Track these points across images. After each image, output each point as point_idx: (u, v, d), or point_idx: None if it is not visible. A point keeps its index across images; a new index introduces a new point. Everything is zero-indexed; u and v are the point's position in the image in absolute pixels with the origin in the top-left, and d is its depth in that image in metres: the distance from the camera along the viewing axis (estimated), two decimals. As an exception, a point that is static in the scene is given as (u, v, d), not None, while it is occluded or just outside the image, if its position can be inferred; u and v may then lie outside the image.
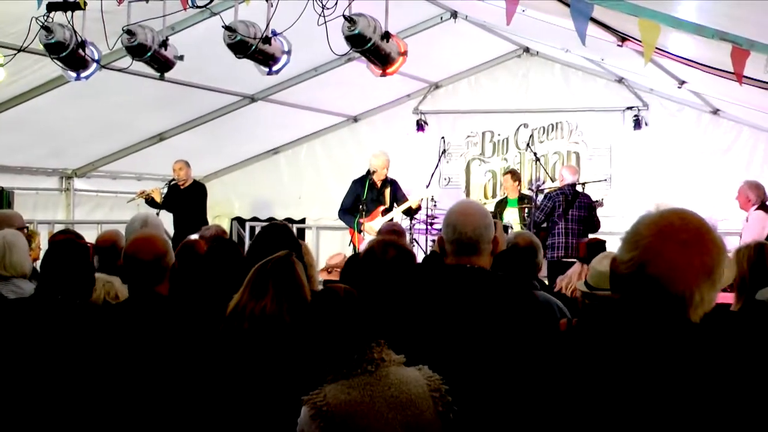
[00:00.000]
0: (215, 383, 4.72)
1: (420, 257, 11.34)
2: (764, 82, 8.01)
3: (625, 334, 2.89)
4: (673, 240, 2.87)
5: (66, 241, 6.55)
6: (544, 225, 13.79)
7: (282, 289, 4.84)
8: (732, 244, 10.91)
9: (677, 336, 2.83)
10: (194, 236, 8.73)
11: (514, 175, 15.82)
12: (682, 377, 2.74)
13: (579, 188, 14.08)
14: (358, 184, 14.02)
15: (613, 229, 13.16)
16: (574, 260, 13.01)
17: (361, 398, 3.98)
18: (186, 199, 14.98)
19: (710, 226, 2.94)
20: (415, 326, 4.58)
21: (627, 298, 2.94)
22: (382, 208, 13.80)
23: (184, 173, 15.07)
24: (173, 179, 15.10)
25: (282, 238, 6.12)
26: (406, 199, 13.99)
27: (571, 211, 13.47)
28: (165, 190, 15.13)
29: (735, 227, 12.67)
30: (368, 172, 13.93)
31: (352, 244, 13.95)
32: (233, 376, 4.69)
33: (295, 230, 16.86)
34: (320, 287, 5.52)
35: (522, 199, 15.34)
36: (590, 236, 12.04)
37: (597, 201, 14.39)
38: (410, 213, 14.05)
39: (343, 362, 4.07)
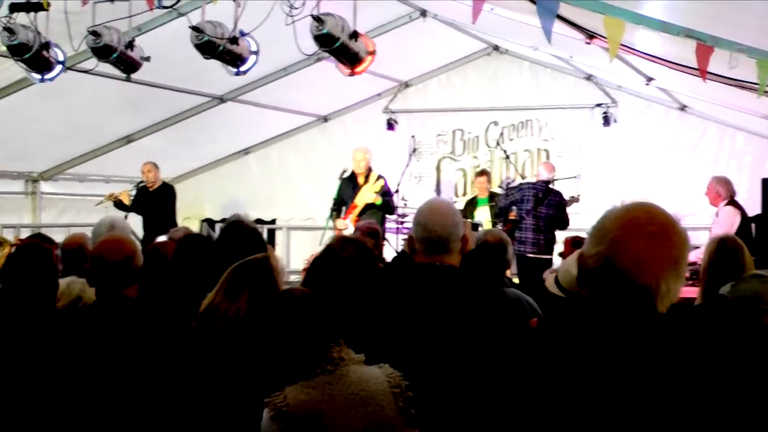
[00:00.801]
0: (184, 384, 4.71)
1: (391, 256, 11.39)
2: (728, 78, 8.07)
3: (593, 328, 2.91)
4: (639, 233, 2.90)
5: (29, 245, 6.51)
6: (512, 216, 13.81)
7: (258, 292, 4.83)
8: (701, 239, 11.00)
9: (646, 327, 2.86)
10: (163, 238, 8.70)
11: (488, 175, 15.88)
12: (652, 368, 2.77)
13: (552, 186, 14.11)
14: (344, 183, 13.99)
15: (583, 225, 13.14)
16: (542, 256, 13.18)
17: (321, 398, 3.99)
18: (155, 201, 14.93)
19: (675, 219, 2.98)
20: (384, 325, 4.57)
21: (595, 292, 2.96)
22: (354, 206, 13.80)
23: (153, 175, 15.02)
24: (142, 181, 15.05)
25: (246, 237, 6.10)
26: (391, 196, 14.01)
27: (540, 208, 13.49)
28: (134, 193, 15.06)
29: (704, 222, 12.72)
30: (352, 172, 13.99)
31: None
32: (202, 376, 4.68)
33: (265, 231, 16.91)
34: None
35: (492, 197, 15.38)
36: (568, 235, 12.07)
37: (572, 197, 14.45)
38: (383, 210, 13.93)
39: (302, 363, 4.08)
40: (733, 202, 12.19)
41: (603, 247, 2.93)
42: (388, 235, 15.10)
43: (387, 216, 14.41)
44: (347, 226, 13.37)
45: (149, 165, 15.00)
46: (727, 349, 2.87)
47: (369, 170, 13.86)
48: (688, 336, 2.88)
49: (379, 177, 13.86)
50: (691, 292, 6.85)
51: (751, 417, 2.77)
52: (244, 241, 6.01)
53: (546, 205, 13.58)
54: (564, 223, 13.77)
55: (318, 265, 5.09)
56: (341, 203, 13.94)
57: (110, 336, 5.04)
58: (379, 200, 13.61)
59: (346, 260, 4.98)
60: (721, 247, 6.36)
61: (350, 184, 13.87)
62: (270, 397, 3.97)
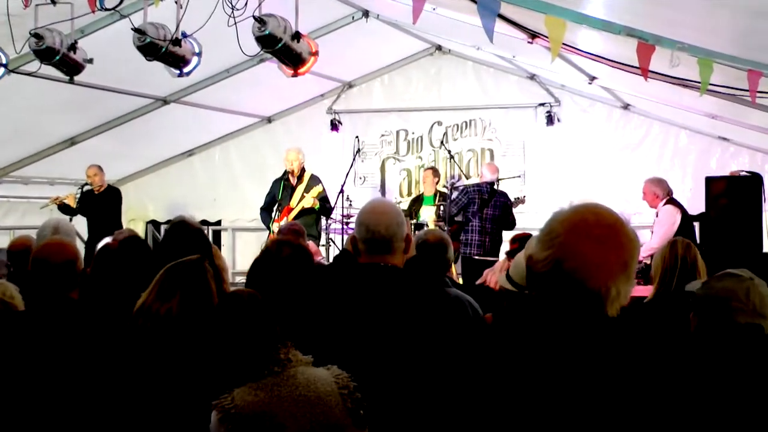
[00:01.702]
0: (123, 384, 4.69)
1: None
2: (670, 77, 8.14)
3: (542, 331, 2.92)
4: (588, 236, 2.91)
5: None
6: (458, 219, 13.86)
7: (190, 294, 4.82)
8: (644, 238, 11.10)
9: (594, 331, 2.88)
10: (107, 239, 8.66)
11: (435, 172, 15.88)
12: (599, 372, 2.79)
13: (496, 187, 14.16)
14: (276, 183, 14.03)
15: (528, 225, 13.21)
16: (488, 258, 13.20)
17: (269, 399, 3.99)
18: (101, 203, 14.86)
19: (624, 221, 3.00)
20: (327, 325, 4.57)
21: (544, 295, 2.97)
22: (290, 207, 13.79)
23: (99, 178, 14.96)
24: (86, 184, 14.95)
25: (189, 237, 6.08)
26: (328, 200, 14.03)
27: (486, 209, 13.54)
28: (79, 195, 14.96)
29: (647, 221, 12.82)
30: (285, 172, 13.93)
31: (267, 245, 13.92)
32: (139, 377, 4.66)
33: (210, 232, 16.86)
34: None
35: (437, 196, 15.41)
36: (515, 232, 12.13)
37: (518, 198, 14.54)
38: (319, 213, 13.94)
39: (249, 364, 4.08)
40: (671, 200, 12.29)
41: (552, 251, 2.94)
42: (332, 236, 15.13)
43: (322, 217, 14.44)
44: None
45: (94, 168, 14.92)
46: (681, 348, 2.91)
47: (302, 171, 13.86)
48: (638, 339, 2.91)
49: (313, 177, 13.87)
50: (640, 290, 7.00)
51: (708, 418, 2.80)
52: (189, 241, 5.99)
53: (491, 206, 13.63)
54: (510, 224, 13.83)
55: (257, 268, 5.08)
56: (272, 203, 13.95)
57: (51, 338, 5.01)
58: (317, 205, 13.63)
59: (283, 261, 4.97)
60: (672, 248, 6.58)
61: (282, 185, 13.91)
62: (217, 400, 3.96)
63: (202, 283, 4.90)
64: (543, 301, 2.97)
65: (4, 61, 9.75)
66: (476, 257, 13.30)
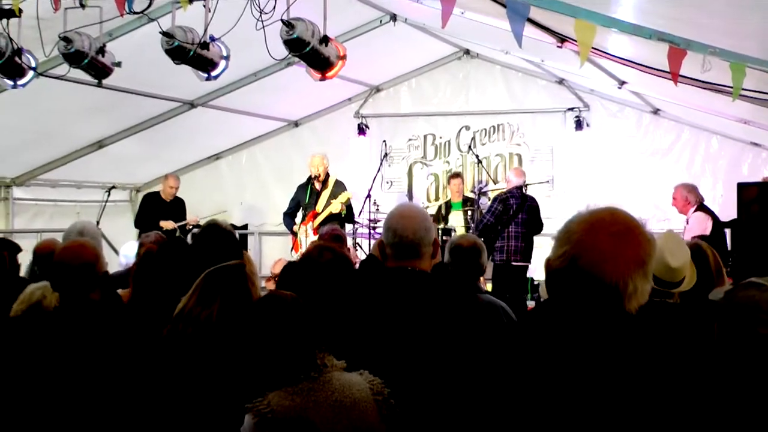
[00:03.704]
0: (155, 388, 4.70)
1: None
2: (702, 81, 8.10)
3: (562, 329, 2.92)
4: (604, 232, 2.93)
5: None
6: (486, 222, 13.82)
7: (230, 300, 4.83)
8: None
9: (614, 326, 2.89)
10: (132, 244, 8.71)
11: (461, 178, 15.88)
12: (621, 369, 2.79)
13: (524, 190, 14.10)
14: (301, 189, 14.06)
15: (555, 230, 13.12)
16: (522, 264, 13.17)
17: (305, 404, 3.97)
18: (172, 213, 15.47)
19: (640, 222, 3.02)
20: (356, 330, 4.56)
21: (561, 293, 2.97)
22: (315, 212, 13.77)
23: (176, 190, 15.71)
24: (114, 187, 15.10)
25: (222, 241, 6.09)
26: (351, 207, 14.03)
27: (519, 214, 13.47)
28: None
29: (677, 227, 12.75)
30: (309, 177, 13.95)
31: (292, 250, 13.97)
32: (175, 380, 4.67)
33: (237, 236, 16.85)
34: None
35: (465, 201, 15.39)
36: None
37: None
38: (343, 219, 13.91)
39: (287, 369, 4.06)
40: (702, 207, 12.23)
41: (568, 247, 2.95)
42: (359, 241, 15.13)
43: (357, 221, 14.46)
44: (309, 234, 13.44)
45: (177, 180, 15.82)
46: (702, 352, 2.89)
47: (327, 176, 13.87)
48: (661, 336, 2.90)
49: (338, 182, 13.87)
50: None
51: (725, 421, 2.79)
52: (221, 244, 6.00)
53: (524, 210, 13.57)
54: (540, 227, 13.75)
55: (295, 272, 5.08)
56: (297, 209, 13.99)
57: (74, 339, 5.03)
58: (344, 211, 13.64)
59: (323, 266, 4.97)
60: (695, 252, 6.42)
61: (308, 190, 13.93)
62: (252, 403, 3.94)
63: (242, 290, 4.92)
64: (560, 298, 2.97)
65: (33, 65, 9.79)
66: (514, 263, 13.24)
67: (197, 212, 15.87)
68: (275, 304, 4.22)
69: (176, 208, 15.57)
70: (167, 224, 14.98)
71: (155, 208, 15.33)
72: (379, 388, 4.16)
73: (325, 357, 4.15)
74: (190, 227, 15.23)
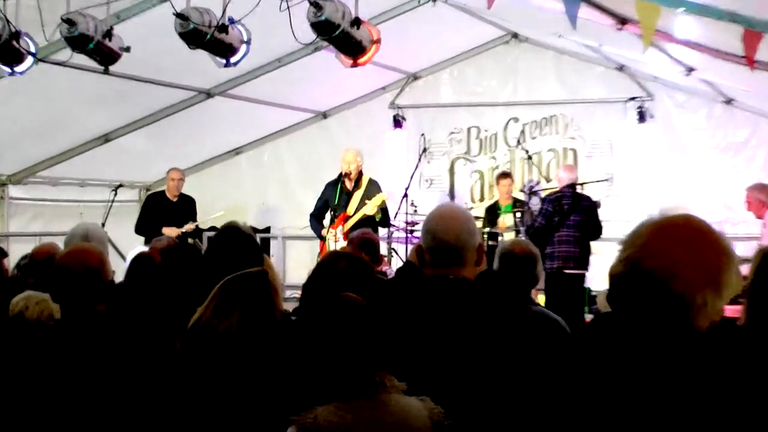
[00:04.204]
0: (174, 408, 4.72)
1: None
2: (781, 67, 8.08)
3: (620, 348, 2.91)
4: (675, 236, 2.93)
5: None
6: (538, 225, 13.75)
7: (252, 310, 4.84)
8: (752, 250, 10.97)
9: (681, 343, 2.86)
10: (140, 249, 8.74)
11: (511, 178, 15.85)
12: (688, 391, 2.78)
13: (578, 189, 14.02)
14: (330, 187, 14.00)
15: (616, 234, 13.07)
16: (577, 271, 13.10)
17: (355, 423, 3.88)
18: (178, 214, 15.41)
19: (718, 232, 2.98)
20: (393, 345, 4.54)
21: (622, 303, 2.97)
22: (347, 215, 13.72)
23: (181, 185, 15.65)
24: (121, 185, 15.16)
25: (242, 245, 6.12)
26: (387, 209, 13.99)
27: (572, 216, 13.38)
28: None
29: (754, 232, 12.66)
30: (340, 174, 13.91)
31: (319, 256, 13.92)
32: (191, 396, 4.69)
33: (258, 241, 16.86)
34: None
35: (515, 203, 15.33)
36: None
37: (595, 202, 14.37)
38: (378, 223, 13.83)
39: (343, 383, 4.01)
40: (778, 207, 12.16)
41: (633, 251, 2.93)
42: (395, 246, 15.15)
43: (393, 223, 14.45)
44: (338, 238, 13.39)
45: (179, 172, 15.62)
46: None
47: (360, 174, 13.86)
48: (732, 360, 2.89)
49: (372, 182, 13.82)
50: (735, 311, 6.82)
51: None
52: (240, 249, 6.03)
53: (577, 211, 13.45)
54: (598, 230, 13.61)
55: (313, 282, 5.10)
56: (325, 210, 13.94)
57: (79, 355, 5.03)
58: (379, 214, 13.59)
59: (340, 273, 4.97)
60: (765, 259, 6.29)
61: (339, 190, 13.82)
62: (298, 416, 3.91)
63: (265, 299, 4.93)
64: (622, 309, 2.97)
65: (32, 50, 9.86)
66: (567, 271, 13.15)
67: (212, 213, 15.94)
68: (344, 309, 4.16)
69: (184, 208, 15.51)
70: (170, 231, 14.63)
71: (159, 210, 15.29)
72: (439, 417, 4.10)
73: (386, 376, 4.09)
74: (193, 229, 15.26)
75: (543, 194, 14.45)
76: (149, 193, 15.87)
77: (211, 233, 16.59)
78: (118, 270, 5.96)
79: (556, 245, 13.33)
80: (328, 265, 5.11)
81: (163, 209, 15.34)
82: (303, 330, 4.22)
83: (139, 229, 15.21)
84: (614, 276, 2.99)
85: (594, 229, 13.47)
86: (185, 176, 15.75)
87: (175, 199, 15.47)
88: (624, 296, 2.96)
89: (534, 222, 13.57)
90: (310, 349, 4.06)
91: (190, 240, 14.91)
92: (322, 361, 4.03)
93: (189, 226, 15.21)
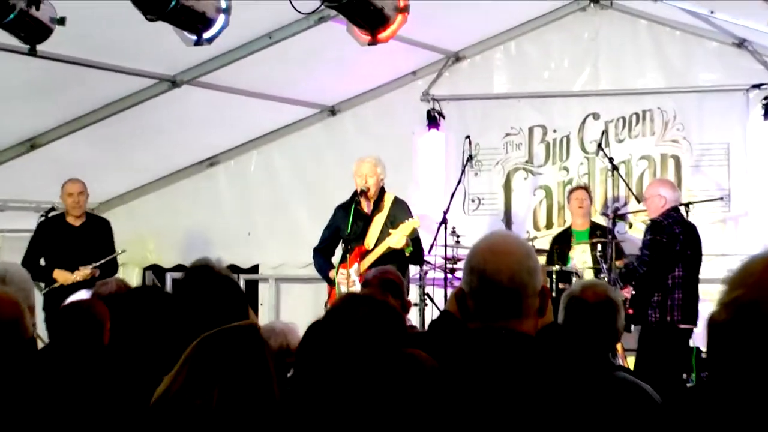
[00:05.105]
0: None
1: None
2: None
3: (728, 420, 2.93)
4: None
5: None
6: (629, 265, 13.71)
7: (238, 381, 4.84)
8: None
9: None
10: (83, 294, 8.78)
11: (588, 192, 15.80)
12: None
13: (683, 211, 14.01)
14: (341, 211, 13.95)
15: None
16: (683, 325, 13.04)
17: None
18: (82, 241, 15.03)
19: None
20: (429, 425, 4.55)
21: (726, 362, 2.98)
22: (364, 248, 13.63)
23: (83, 201, 15.24)
24: (52, 209, 15.10)
25: (217, 291, 6.14)
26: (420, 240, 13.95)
27: (687, 250, 13.33)
28: (41, 220, 15.02)
29: None
30: (354, 193, 13.88)
31: (328, 305, 13.84)
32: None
33: (242, 283, 16.89)
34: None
35: (594, 229, 15.28)
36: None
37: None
38: (408, 259, 13.76)
39: None
40: None
41: (740, 292, 2.94)
42: (429, 290, 15.12)
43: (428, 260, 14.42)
44: (353, 281, 13.27)
45: (79, 184, 15.19)
46: None
47: (381, 191, 13.83)
48: None
49: (398, 201, 13.78)
50: None
51: None
52: (216, 297, 6.04)
53: (692, 244, 13.42)
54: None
55: (315, 337, 5.09)
56: (334, 242, 13.89)
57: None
58: (409, 247, 13.50)
59: (358, 325, 4.95)
60: None
61: (353, 214, 13.78)
62: None
63: (257, 366, 4.93)
64: (724, 372, 2.98)
65: (-68, 24, 9.96)
66: (682, 326, 13.10)
67: (180, 249, 15.95)
68: (413, 372, 4.16)
69: (92, 237, 15.30)
70: (63, 277, 14.51)
71: (56, 242, 15.07)
72: None
73: None
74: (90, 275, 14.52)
75: (633, 219, 14.42)
76: (41, 219, 15.23)
77: (176, 273, 16.76)
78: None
79: (667, 290, 13.26)
80: (340, 313, 5.11)
81: (61, 240, 15.10)
82: (318, 410, 4.24)
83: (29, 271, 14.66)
84: (716, 324, 3.00)
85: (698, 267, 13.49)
86: (87, 190, 15.38)
87: (78, 223, 15.27)
88: (728, 352, 2.97)
89: (641, 258, 13.49)
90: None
91: (148, 281, 14.90)
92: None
93: (84, 272, 14.67)
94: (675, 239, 13.31)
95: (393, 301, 5.73)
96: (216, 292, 6.13)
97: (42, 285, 14.53)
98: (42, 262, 14.89)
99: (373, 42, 9.38)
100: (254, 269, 17.91)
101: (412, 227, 13.40)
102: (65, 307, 7.06)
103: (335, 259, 13.89)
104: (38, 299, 11.79)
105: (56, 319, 6.63)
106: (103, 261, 14.77)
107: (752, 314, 2.90)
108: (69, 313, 6.77)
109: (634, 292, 13.22)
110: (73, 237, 15.08)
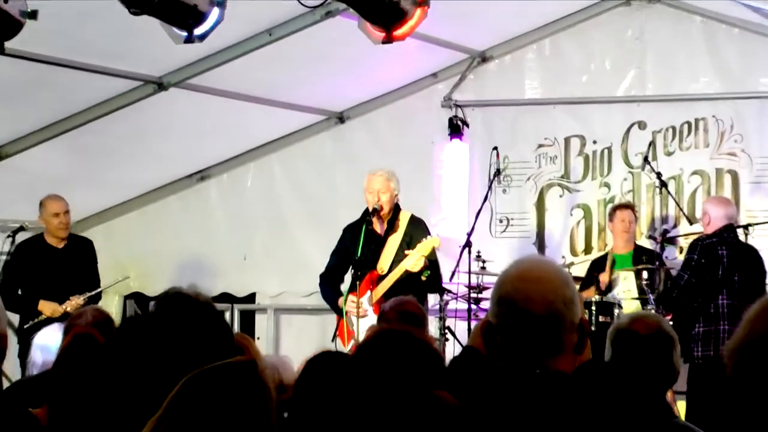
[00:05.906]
0: None
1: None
2: None
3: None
4: None
5: None
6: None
7: (235, 423, 4.84)
8: None
9: None
10: (52, 330, 8.84)
11: (633, 211, 15.78)
12: None
13: (740, 235, 14.01)
14: (351, 231, 13.98)
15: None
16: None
17: None
18: (65, 264, 15.07)
19: None
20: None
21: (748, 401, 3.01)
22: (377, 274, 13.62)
23: (67, 220, 15.26)
24: (21, 228, 15.14)
25: (198, 322, 6.14)
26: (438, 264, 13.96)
27: (736, 274, 13.33)
28: (10, 249, 15.03)
29: None
30: (366, 211, 13.91)
31: (336, 338, 13.87)
32: None
33: (237, 315, 16.94)
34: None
35: (639, 254, 15.27)
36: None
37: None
38: (425, 285, 13.76)
39: None
40: None
41: (743, 333, 2.97)
42: (450, 323, 15.14)
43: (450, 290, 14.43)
44: (364, 311, 13.25)
45: (61, 203, 15.19)
46: None
47: (396, 209, 13.87)
48: None
49: (415, 220, 13.80)
50: None
51: None
52: (193, 329, 6.03)
53: (744, 267, 13.42)
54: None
55: (334, 378, 5.09)
56: (343, 267, 13.89)
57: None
58: (427, 272, 13.50)
59: (394, 365, 4.90)
60: None
61: (364, 235, 13.76)
62: None
63: (256, 409, 4.92)
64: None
65: None
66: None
67: (166, 275, 15.99)
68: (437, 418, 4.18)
69: (76, 261, 15.35)
70: (50, 309, 14.48)
71: (35, 268, 15.10)
72: None
73: None
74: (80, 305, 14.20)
75: (685, 242, 14.41)
76: (20, 242, 15.27)
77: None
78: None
79: (713, 320, 13.25)
80: (369, 348, 5.08)
81: (42, 264, 15.13)
82: None
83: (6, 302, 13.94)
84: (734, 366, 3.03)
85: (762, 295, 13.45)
86: (69, 211, 15.34)
87: (61, 245, 15.28)
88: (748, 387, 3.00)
89: (677, 281, 13.48)
90: None
91: (129, 312, 14.92)
92: None
93: (75, 302, 14.63)
94: (716, 262, 13.30)
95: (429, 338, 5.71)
96: (196, 324, 6.12)
97: (18, 318, 14.53)
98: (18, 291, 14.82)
99: (388, 40, 9.42)
100: (251, 298, 17.94)
101: (431, 246, 13.41)
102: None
103: (344, 286, 13.87)
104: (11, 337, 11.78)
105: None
106: (99, 290, 15.00)
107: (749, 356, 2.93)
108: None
109: (672, 323, 13.23)
110: (56, 261, 15.11)
